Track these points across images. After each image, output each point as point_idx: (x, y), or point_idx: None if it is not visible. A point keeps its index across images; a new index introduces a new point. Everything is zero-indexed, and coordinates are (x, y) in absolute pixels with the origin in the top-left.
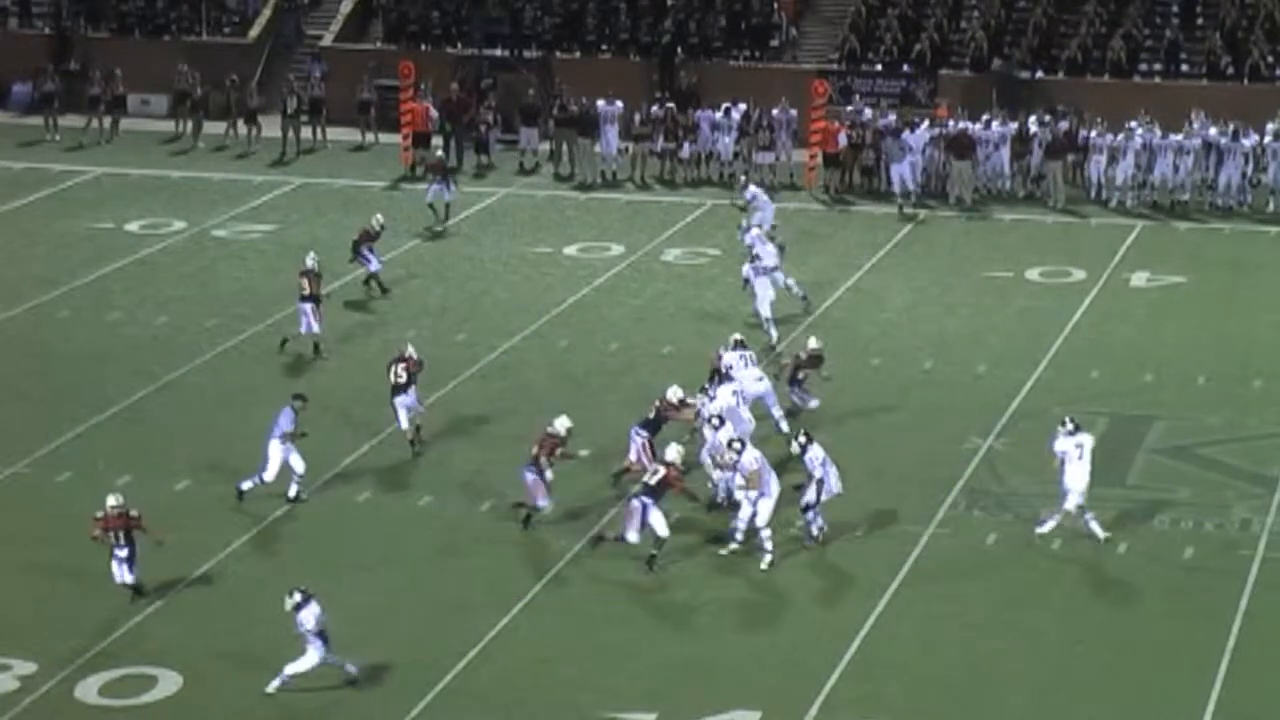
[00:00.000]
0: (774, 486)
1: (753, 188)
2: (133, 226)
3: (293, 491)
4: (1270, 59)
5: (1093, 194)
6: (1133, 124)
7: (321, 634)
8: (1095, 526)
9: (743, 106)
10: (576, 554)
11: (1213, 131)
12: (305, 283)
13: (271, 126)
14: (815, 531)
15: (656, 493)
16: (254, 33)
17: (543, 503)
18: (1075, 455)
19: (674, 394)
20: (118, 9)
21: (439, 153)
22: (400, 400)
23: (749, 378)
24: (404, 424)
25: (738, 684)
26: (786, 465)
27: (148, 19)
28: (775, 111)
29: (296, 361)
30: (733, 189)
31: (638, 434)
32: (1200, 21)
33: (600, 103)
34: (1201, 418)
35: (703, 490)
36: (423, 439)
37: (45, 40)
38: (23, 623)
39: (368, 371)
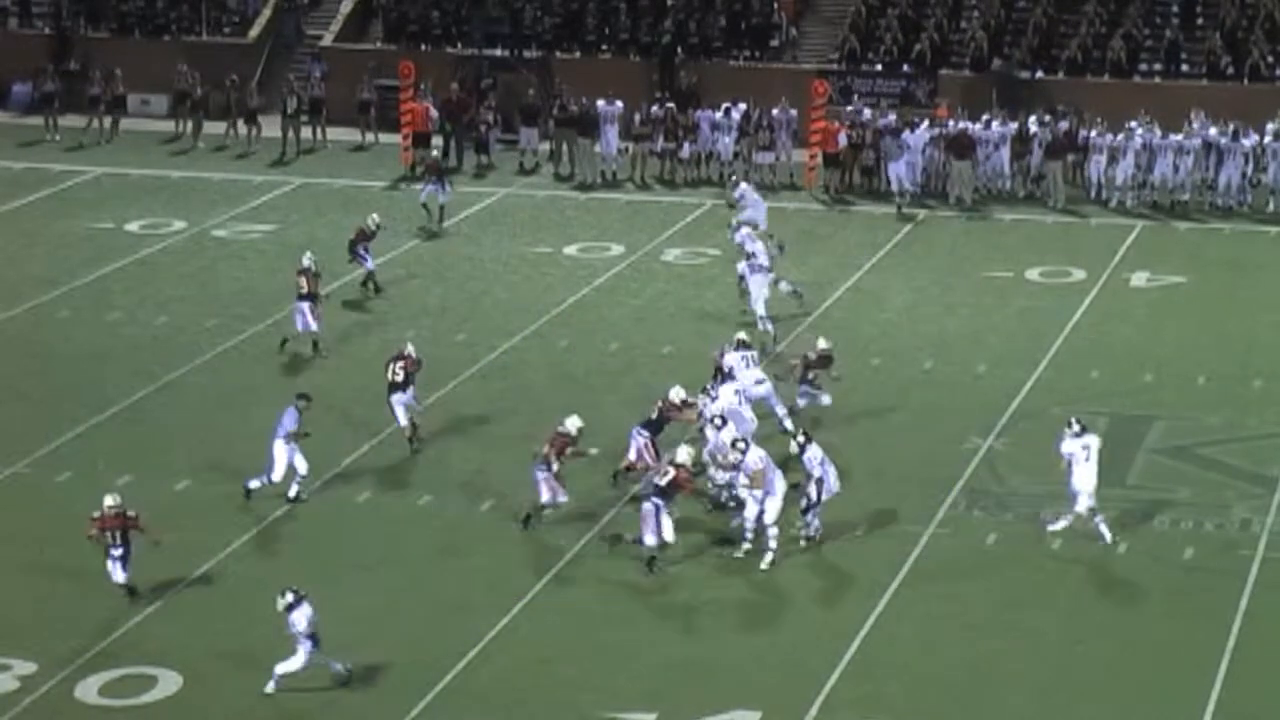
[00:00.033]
0: (779, 485)
1: (743, 185)
2: (133, 226)
3: (293, 492)
4: (1270, 59)
5: (1093, 194)
6: (1133, 124)
7: (312, 636)
8: (1104, 529)
9: (743, 106)
10: (577, 554)
11: (1213, 131)
12: (303, 281)
13: (271, 126)
14: (812, 532)
15: (667, 494)
16: (254, 33)
17: (561, 499)
18: (1083, 457)
19: (676, 394)
20: (118, 9)
21: (435, 153)
22: (396, 398)
23: (750, 379)
24: (402, 421)
25: (738, 684)
26: (787, 465)
27: (148, 19)
28: (775, 111)
29: (297, 361)
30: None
31: (639, 434)
32: (1200, 21)
33: (600, 103)
34: (1201, 418)
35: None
36: (420, 437)
37: (45, 40)
38: (23, 623)
39: (367, 371)
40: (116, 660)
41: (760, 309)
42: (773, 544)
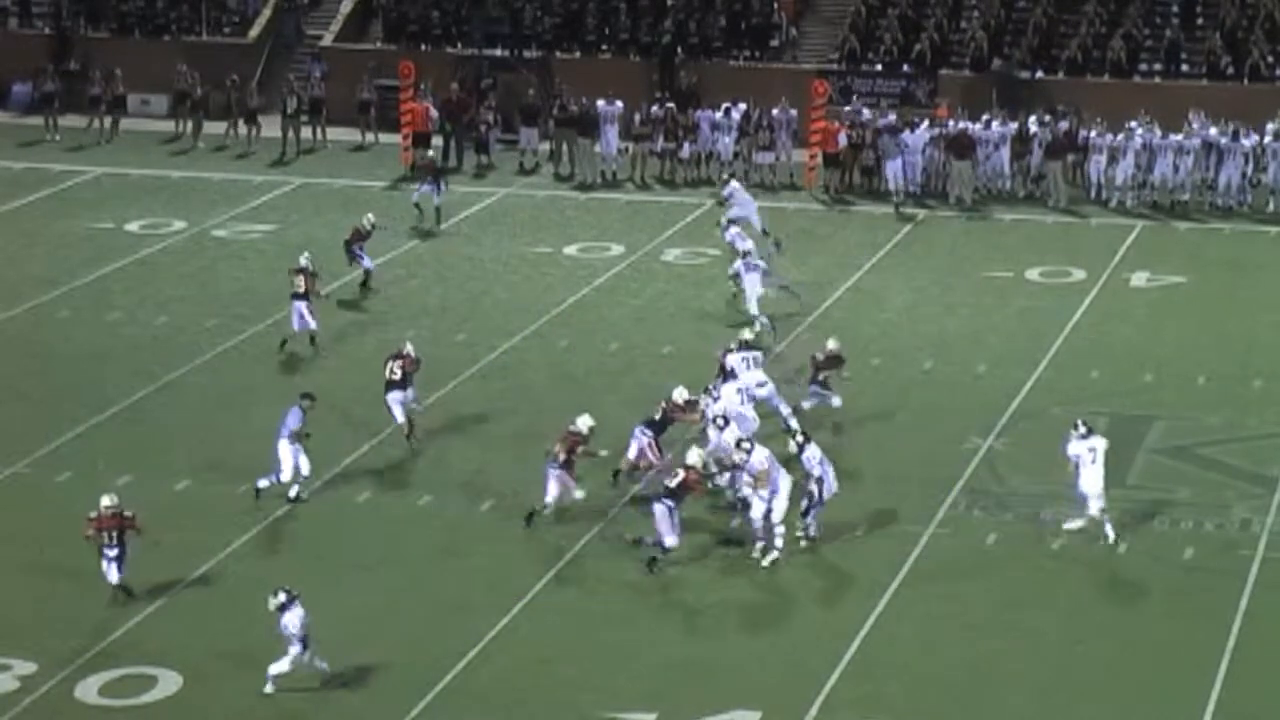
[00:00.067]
0: (784, 483)
1: (733, 183)
2: (133, 226)
3: (293, 492)
4: (1270, 59)
5: (1093, 194)
6: (1133, 124)
7: (304, 639)
8: (1109, 529)
9: (743, 106)
10: (577, 554)
11: (1213, 131)
12: (300, 280)
13: (271, 126)
14: (813, 532)
15: (677, 496)
16: (254, 33)
17: (577, 495)
18: (1089, 459)
19: (679, 394)
20: (118, 9)
21: (431, 154)
22: (393, 396)
23: (751, 381)
24: (400, 419)
25: (738, 684)
26: (787, 465)
27: (148, 19)
28: (775, 111)
29: (296, 361)
30: None
31: (641, 433)
32: (1200, 21)
33: (600, 103)
34: (1201, 418)
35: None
36: (417, 435)
37: (45, 40)
38: (23, 623)
39: (367, 371)
40: (116, 660)
41: (753, 308)
42: (779, 542)
